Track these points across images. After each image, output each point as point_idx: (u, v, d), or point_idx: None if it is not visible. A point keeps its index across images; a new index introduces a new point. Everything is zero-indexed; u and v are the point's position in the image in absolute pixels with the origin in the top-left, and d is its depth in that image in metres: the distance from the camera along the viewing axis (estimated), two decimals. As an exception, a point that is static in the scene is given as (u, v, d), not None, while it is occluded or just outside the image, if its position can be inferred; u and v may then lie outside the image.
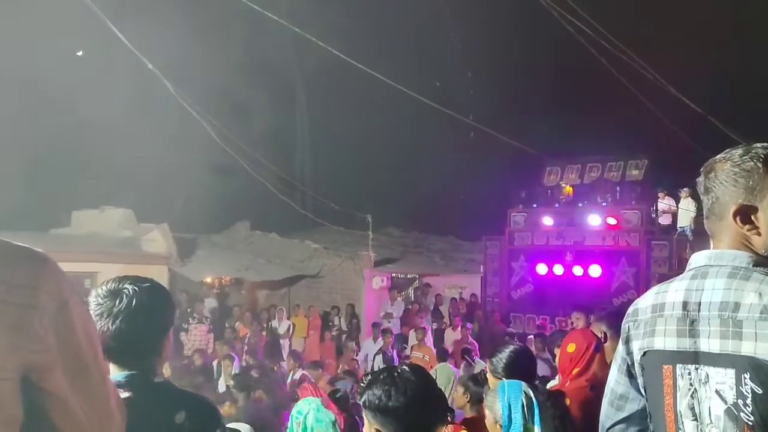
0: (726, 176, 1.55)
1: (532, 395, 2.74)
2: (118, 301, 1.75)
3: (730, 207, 1.55)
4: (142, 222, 15.84)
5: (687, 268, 1.63)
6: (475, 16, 20.55)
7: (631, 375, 1.69)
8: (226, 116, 16.59)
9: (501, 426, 2.72)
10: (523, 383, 2.81)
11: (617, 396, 1.73)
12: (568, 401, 3.33)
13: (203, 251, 16.93)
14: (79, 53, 18.57)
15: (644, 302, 1.68)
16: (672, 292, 1.60)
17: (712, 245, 1.61)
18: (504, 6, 19.00)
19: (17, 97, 15.85)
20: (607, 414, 1.77)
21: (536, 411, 2.71)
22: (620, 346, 1.72)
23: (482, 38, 20.30)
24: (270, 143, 19.15)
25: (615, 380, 1.75)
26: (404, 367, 1.89)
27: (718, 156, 1.60)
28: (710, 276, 1.54)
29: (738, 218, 1.54)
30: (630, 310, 1.71)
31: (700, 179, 1.62)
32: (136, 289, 1.77)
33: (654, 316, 1.62)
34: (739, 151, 1.55)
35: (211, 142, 12.75)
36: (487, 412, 2.88)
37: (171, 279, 13.53)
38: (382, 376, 1.84)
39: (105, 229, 15.21)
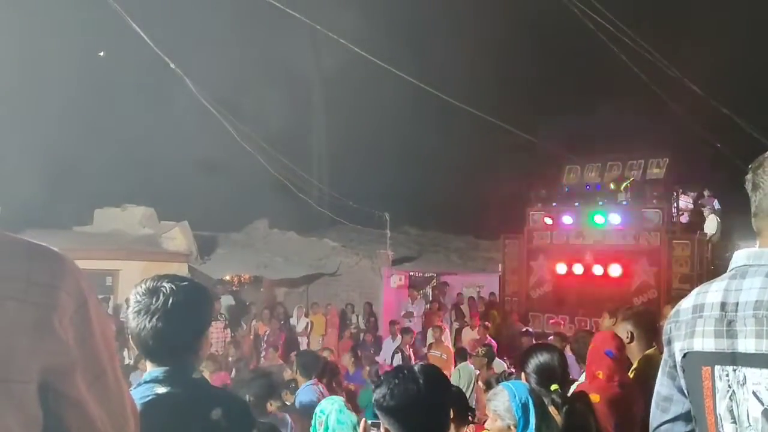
0: None
1: (536, 394, 2.70)
2: (155, 300, 1.77)
3: None
4: (163, 220, 16.00)
5: (729, 268, 1.58)
6: (497, 15, 20.45)
7: (673, 377, 1.66)
8: (246, 114, 16.71)
9: (515, 427, 2.65)
10: (526, 384, 2.76)
11: (662, 398, 1.70)
12: (597, 398, 3.27)
13: (222, 249, 17.06)
14: (101, 53, 18.81)
15: (686, 303, 1.63)
16: (712, 292, 1.56)
17: (758, 243, 1.56)
18: (524, 5, 18.87)
19: (42, 96, 16.11)
20: (653, 415, 1.73)
21: (542, 411, 2.66)
22: (664, 348, 1.69)
23: (504, 37, 20.19)
24: (288, 141, 19.22)
25: (660, 382, 1.71)
26: (416, 366, 1.83)
27: None
28: (749, 276, 1.50)
29: None
30: (672, 311, 1.68)
31: (748, 176, 1.56)
32: (174, 287, 1.79)
33: (694, 317, 1.58)
34: None
35: (231, 140, 12.84)
36: (492, 415, 2.73)
37: (191, 276, 13.61)
38: (390, 375, 1.81)
39: (127, 227, 15.39)
